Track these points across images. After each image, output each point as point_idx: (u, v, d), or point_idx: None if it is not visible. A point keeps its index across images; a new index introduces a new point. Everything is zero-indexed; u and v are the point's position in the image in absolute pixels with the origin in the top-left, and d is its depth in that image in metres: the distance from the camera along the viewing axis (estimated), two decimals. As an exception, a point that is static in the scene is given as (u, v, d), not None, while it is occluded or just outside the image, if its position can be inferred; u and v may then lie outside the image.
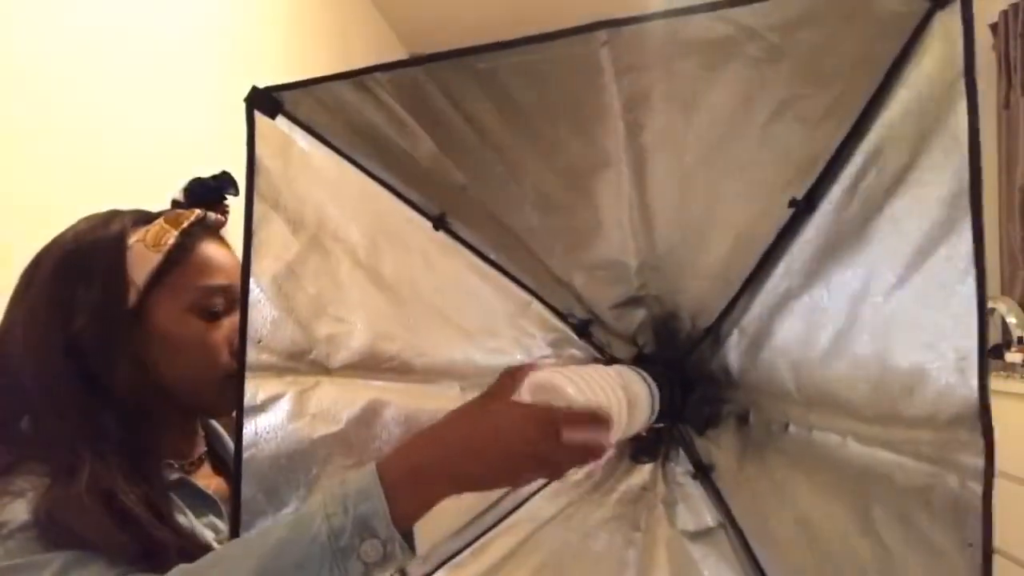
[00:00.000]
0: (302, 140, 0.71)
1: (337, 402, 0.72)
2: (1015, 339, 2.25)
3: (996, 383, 2.01)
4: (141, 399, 0.67)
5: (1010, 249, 2.54)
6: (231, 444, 0.76)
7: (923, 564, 0.47)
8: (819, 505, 0.58)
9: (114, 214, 0.72)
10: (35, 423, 0.65)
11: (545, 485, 0.79)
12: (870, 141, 0.50)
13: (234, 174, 0.74)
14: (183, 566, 0.52)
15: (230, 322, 0.70)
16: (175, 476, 0.69)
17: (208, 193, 0.75)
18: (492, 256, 0.79)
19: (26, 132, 1.19)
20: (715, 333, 0.73)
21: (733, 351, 0.70)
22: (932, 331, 0.44)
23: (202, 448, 0.77)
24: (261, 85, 0.68)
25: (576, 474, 0.80)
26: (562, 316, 0.83)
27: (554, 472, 0.56)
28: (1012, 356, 2.16)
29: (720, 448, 0.73)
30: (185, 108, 1.59)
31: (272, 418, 0.69)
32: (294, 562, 0.49)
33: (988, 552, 0.39)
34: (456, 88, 0.61)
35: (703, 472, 0.74)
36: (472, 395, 0.79)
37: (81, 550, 0.56)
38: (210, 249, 0.72)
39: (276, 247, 0.70)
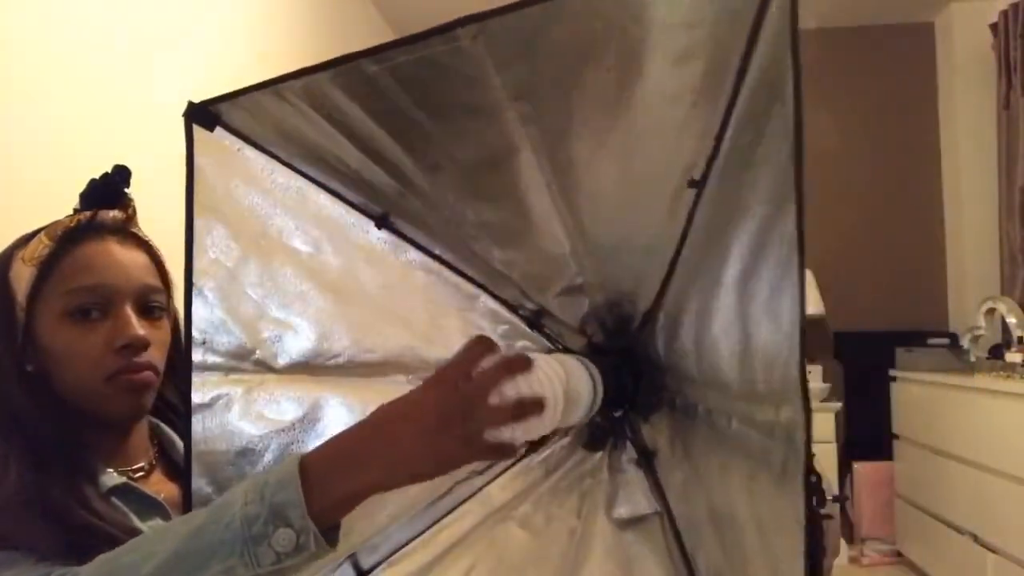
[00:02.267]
0: (240, 148, 0.74)
1: (283, 399, 0.75)
2: (1015, 339, 2.20)
3: (996, 383, 1.97)
4: (51, 415, 0.68)
5: (1010, 249, 2.50)
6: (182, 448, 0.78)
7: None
8: (722, 488, 0.57)
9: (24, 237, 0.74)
10: None
11: (498, 475, 0.80)
12: (736, 117, 0.49)
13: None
14: (104, 554, 0.55)
15: (109, 324, 0.69)
16: (117, 481, 0.70)
17: (101, 193, 0.74)
18: (437, 252, 0.80)
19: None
20: (652, 316, 0.73)
21: (660, 336, 0.69)
22: (773, 310, 0.43)
23: (149, 456, 0.77)
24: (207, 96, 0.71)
25: (528, 461, 0.81)
26: (513, 308, 0.84)
27: (475, 442, 0.51)
28: (1012, 356, 2.13)
29: (658, 434, 0.73)
30: (178, 109, 1.63)
31: (219, 416, 0.72)
32: (208, 545, 0.50)
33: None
34: (361, 95, 0.62)
35: (646, 459, 0.74)
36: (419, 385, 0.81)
37: (8, 550, 0.58)
38: (87, 251, 0.70)
39: (218, 253, 0.73)
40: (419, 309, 0.82)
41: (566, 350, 0.85)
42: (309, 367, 0.77)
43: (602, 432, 0.81)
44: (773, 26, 0.42)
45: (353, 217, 0.78)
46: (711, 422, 0.57)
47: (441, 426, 0.52)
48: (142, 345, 0.70)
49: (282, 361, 0.76)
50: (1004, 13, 2.53)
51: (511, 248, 0.76)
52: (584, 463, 0.78)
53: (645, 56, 0.52)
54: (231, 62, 1.88)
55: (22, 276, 0.70)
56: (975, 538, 2.05)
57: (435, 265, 0.81)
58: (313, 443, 0.75)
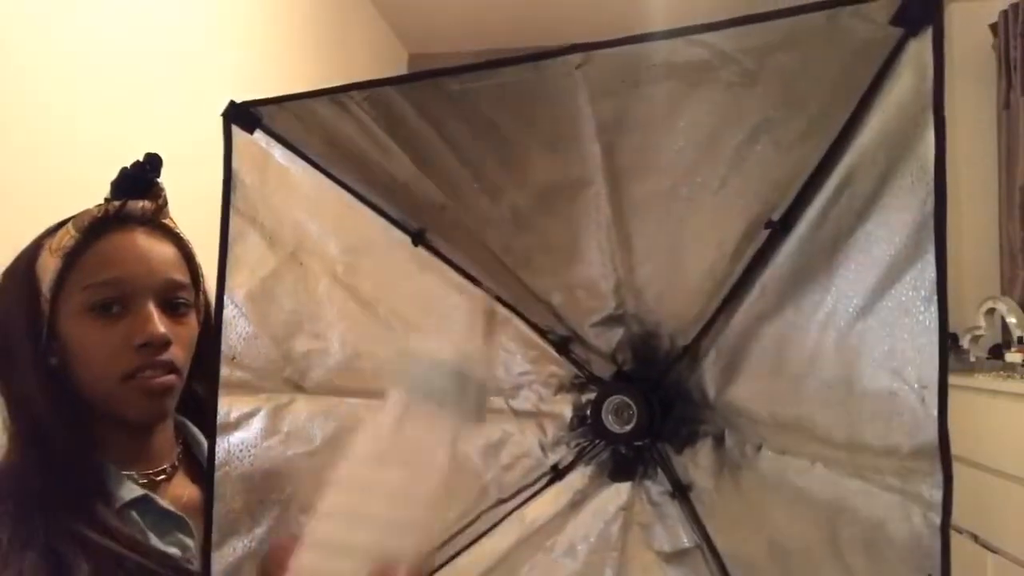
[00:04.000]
0: (280, 155, 0.71)
1: (312, 420, 0.71)
2: (1015, 339, 2.22)
3: (996, 383, 1.98)
4: (67, 414, 0.66)
5: (1010, 249, 2.52)
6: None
7: None
8: (791, 528, 0.57)
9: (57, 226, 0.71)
10: None
11: (520, 505, 0.79)
12: (844, 165, 0.50)
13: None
14: None
15: (131, 319, 0.67)
16: (136, 494, 0.67)
17: (131, 183, 0.71)
18: (471, 272, 0.79)
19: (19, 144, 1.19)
20: (693, 352, 0.73)
21: (709, 371, 0.70)
22: (897, 359, 0.44)
23: (173, 456, 0.74)
24: (239, 99, 0.68)
25: (555, 490, 0.80)
26: (542, 332, 0.82)
27: None
28: (1012, 356, 2.13)
29: (697, 468, 0.73)
30: (180, 110, 1.59)
31: (245, 436, 0.68)
32: None
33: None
34: (431, 108, 0.61)
35: (681, 492, 0.74)
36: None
37: None
38: (111, 243, 0.68)
39: (252, 262, 0.70)
40: (450, 330, 0.80)
41: (593, 377, 0.84)
42: (338, 387, 0.74)
43: (627, 462, 0.80)
44: (906, 80, 0.43)
45: (391, 232, 0.75)
46: (782, 463, 0.58)
47: None
48: (162, 343, 0.67)
49: (312, 379, 0.72)
50: (1004, 13, 2.53)
51: (555, 276, 0.75)
52: (618, 496, 0.77)
53: (744, 100, 0.52)
54: (231, 62, 1.84)
55: (48, 267, 0.67)
56: (975, 538, 2.01)
57: (469, 285, 0.79)
58: (341, 466, 0.72)
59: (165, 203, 0.73)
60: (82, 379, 0.67)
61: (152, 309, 0.67)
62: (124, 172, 0.72)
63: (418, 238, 0.76)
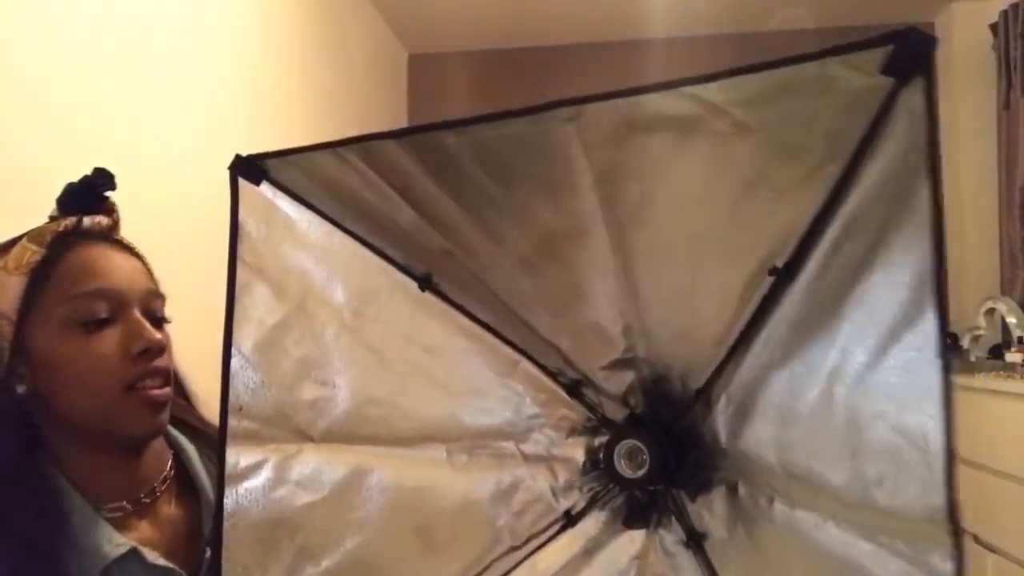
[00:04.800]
0: (286, 205, 0.72)
1: (321, 468, 0.71)
2: (1015, 339, 2.19)
3: (996, 383, 1.94)
4: (50, 439, 0.63)
5: (1010, 249, 2.49)
6: (194, 456, 0.73)
7: None
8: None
9: None
10: None
11: (532, 553, 0.77)
12: (844, 215, 0.48)
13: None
14: None
15: (119, 330, 0.64)
16: (122, 551, 0.62)
17: (81, 197, 0.69)
18: (479, 316, 0.78)
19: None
20: (706, 396, 0.71)
21: (721, 417, 0.68)
22: (901, 418, 0.42)
23: (161, 475, 0.71)
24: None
25: (567, 538, 0.79)
26: (553, 375, 0.81)
27: None
28: (1012, 356, 2.11)
29: (712, 516, 0.71)
30: (180, 109, 1.59)
31: (253, 486, 0.68)
32: None
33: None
34: (429, 160, 0.61)
35: (696, 541, 0.72)
36: (458, 459, 0.79)
37: None
38: (84, 255, 0.66)
39: (259, 313, 0.70)
40: (459, 374, 0.79)
41: (605, 420, 0.83)
42: (347, 434, 0.74)
43: (642, 507, 0.78)
44: (901, 131, 0.42)
45: (397, 278, 0.76)
46: (795, 517, 0.56)
47: None
48: (160, 349, 0.66)
49: (320, 428, 0.72)
50: (1004, 13, 2.51)
51: (562, 320, 0.74)
52: (631, 545, 0.75)
53: (738, 150, 0.51)
54: (230, 62, 1.85)
55: (6, 287, 0.63)
56: (975, 538, 1.99)
57: (477, 329, 0.79)
58: (348, 518, 0.72)
59: (119, 219, 0.71)
60: (69, 399, 0.64)
61: (141, 317, 0.66)
62: (71, 187, 0.69)
63: (425, 283, 0.76)
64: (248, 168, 0.70)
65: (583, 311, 0.71)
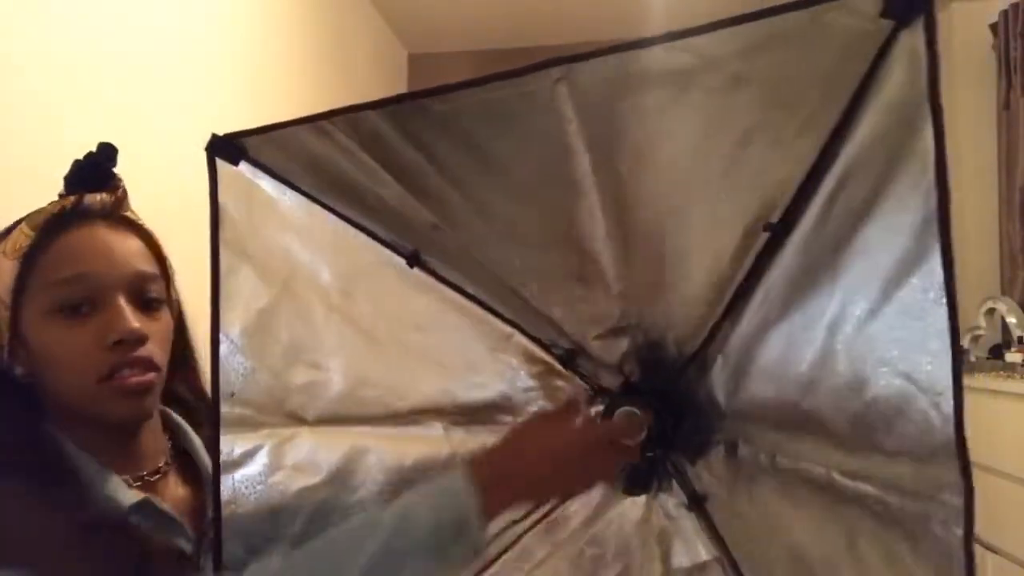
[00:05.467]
0: (267, 185, 0.70)
1: (316, 452, 0.70)
2: (1015, 339, 2.21)
3: (996, 383, 1.98)
4: (52, 416, 0.63)
5: (1010, 249, 2.51)
6: (197, 441, 0.72)
7: None
8: (810, 538, 0.56)
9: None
10: None
11: (535, 524, 0.77)
12: (840, 165, 0.48)
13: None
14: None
15: (101, 316, 0.62)
16: (136, 498, 0.62)
17: (86, 174, 0.67)
18: (470, 290, 0.77)
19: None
20: (700, 360, 0.71)
21: (718, 378, 0.68)
22: (907, 363, 0.42)
23: (164, 456, 0.70)
24: (222, 131, 0.67)
25: (568, 509, 0.79)
26: (546, 347, 0.81)
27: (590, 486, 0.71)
28: (1012, 356, 2.13)
29: (712, 478, 0.71)
30: (181, 109, 1.58)
31: (250, 473, 0.67)
32: (414, 542, 0.56)
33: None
34: (414, 130, 0.59)
35: (698, 503, 0.72)
36: (456, 435, 0.78)
37: None
38: (73, 238, 0.63)
39: (245, 297, 0.69)
40: (452, 350, 0.78)
41: (601, 389, 0.83)
42: (342, 417, 0.73)
43: (641, 474, 0.78)
44: (899, 74, 0.42)
45: (385, 256, 0.74)
46: (797, 471, 0.56)
47: (583, 480, 0.68)
48: (137, 339, 0.63)
49: (314, 411, 0.71)
50: (1004, 13, 2.51)
51: (555, 290, 0.73)
52: (634, 511, 0.75)
53: (734, 104, 0.50)
54: (230, 62, 1.83)
55: (3, 271, 0.63)
56: (975, 538, 2.05)
57: (468, 304, 0.78)
58: (350, 499, 0.71)
59: (125, 194, 0.69)
60: (56, 385, 0.63)
61: (123, 304, 0.63)
62: (77, 164, 0.67)
63: (413, 260, 0.75)
64: (225, 148, 0.67)
65: (576, 280, 0.71)
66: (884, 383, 0.44)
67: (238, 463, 0.67)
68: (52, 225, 0.63)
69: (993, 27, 2.58)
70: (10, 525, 0.56)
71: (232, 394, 0.67)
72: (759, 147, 0.52)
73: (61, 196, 0.67)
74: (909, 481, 0.43)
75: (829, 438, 0.51)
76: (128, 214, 0.69)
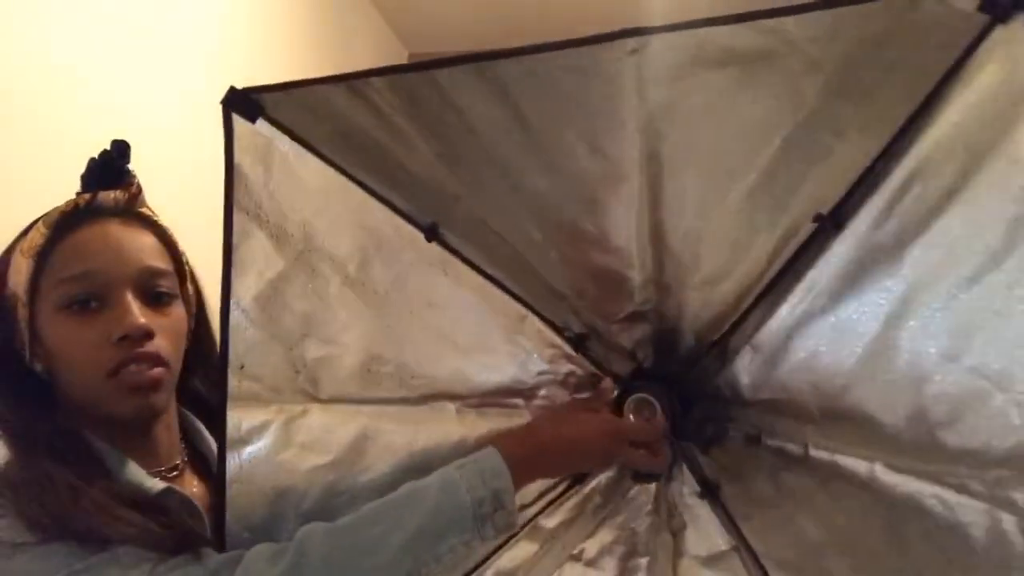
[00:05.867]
0: (285, 146, 0.66)
1: (327, 430, 0.67)
2: None
3: None
4: (71, 410, 0.63)
5: None
6: (214, 444, 0.70)
7: None
8: (847, 531, 0.56)
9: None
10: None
11: (540, 512, 0.76)
12: (913, 158, 0.48)
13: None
14: (334, 523, 0.56)
15: (108, 313, 0.62)
16: (160, 486, 0.63)
17: (100, 173, 0.67)
18: (486, 268, 0.75)
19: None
20: (721, 349, 0.71)
21: (744, 368, 0.67)
22: (982, 359, 0.42)
23: (180, 455, 0.70)
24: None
25: (577, 497, 0.78)
26: (559, 330, 0.79)
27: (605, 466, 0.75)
28: None
29: (728, 468, 0.71)
30: (178, 110, 1.52)
31: (257, 450, 0.63)
32: (446, 522, 0.56)
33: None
34: (460, 95, 0.56)
35: (711, 492, 0.72)
36: (467, 417, 0.76)
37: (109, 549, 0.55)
38: (83, 235, 0.64)
39: (259, 264, 0.65)
40: (466, 329, 0.76)
41: (612, 374, 0.82)
42: (353, 395, 0.69)
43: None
44: (992, 71, 0.41)
45: (403, 228, 0.71)
46: (835, 464, 0.56)
47: (598, 461, 0.71)
48: (143, 335, 0.62)
49: (326, 387, 0.68)
50: None
51: (575, 271, 0.72)
52: (640, 497, 0.75)
53: (804, 88, 0.49)
54: (230, 62, 1.78)
55: (20, 269, 0.63)
56: None
57: (484, 284, 0.75)
58: (359, 479, 0.67)
59: (139, 191, 0.68)
60: (68, 380, 0.64)
61: (130, 300, 0.63)
62: (92, 162, 0.67)
63: (431, 233, 0.72)
64: (242, 102, 0.63)
65: (602, 262, 0.69)
66: (952, 378, 0.44)
67: (245, 440, 0.63)
68: (65, 223, 0.64)
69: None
70: (59, 502, 0.56)
71: (242, 367, 0.63)
72: (821, 135, 0.51)
73: (78, 194, 0.67)
74: (973, 480, 0.43)
75: (876, 433, 0.51)
76: (143, 210, 0.69)
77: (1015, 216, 0.40)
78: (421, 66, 0.55)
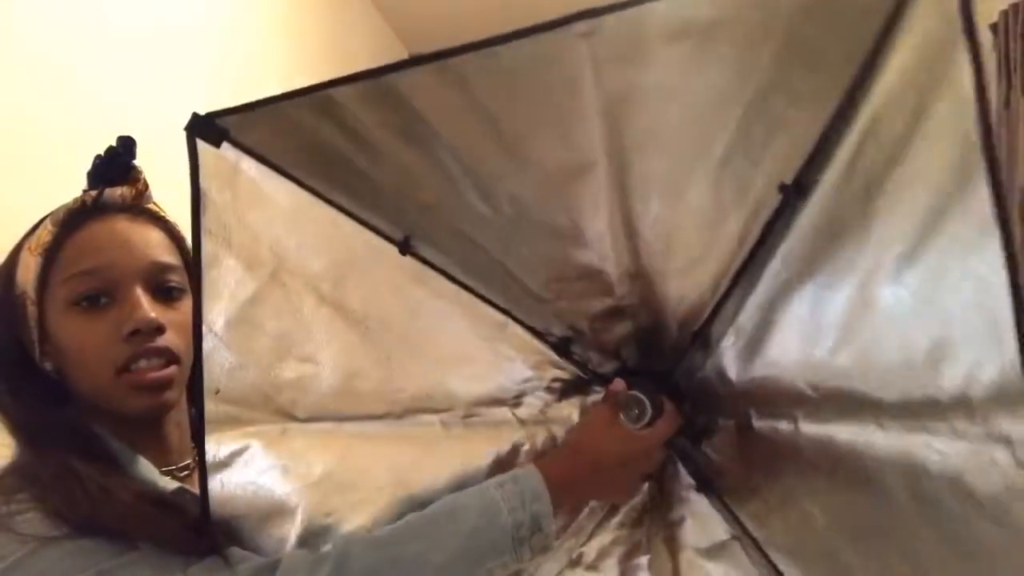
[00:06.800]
0: (251, 168, 0.66)
1: (309, 450, 0.65)
2: None
3: None
4: (83, 408, 0.63)
5: None
6: None
7: (960, 557, 0.45)
8: (840, 503, 0.55)
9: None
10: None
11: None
12: (866, 114, 0.48)
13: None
14: (369, 536, 0.57)
15: (118, 308, 0.63)
16: (173, 485, 0.63)
17: (106, 169, 0.67)
18: (463, 278, 0.75)
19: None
20: (705, 337, 0.71)
21: (728, 353, 0.67)
22: (954, 302, 0.42)
23: (189, 454, 0.69)
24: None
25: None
26: (540, 335, 0.79)
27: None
28: None
29: (722, 457, 0.70)
30: (177, 109, 1.51)
31: (239, 474, 0.61)
32: (486, 544, 0.57)
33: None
34: (423, 97, 0.57)
35: (706, 484, 0.71)
36: (453, 430, 0.74)
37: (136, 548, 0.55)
38: (91, 231, 0.64)
39: (230, 287, 0.64)
40: (446, 341, 0.75)
41: (597, 375, 0.81)
42: (333, 413, 0.68)
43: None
44: (928, 7, 0.42)
45: (376, 243, 0.71)
46: (826, 437, 0.55)
47: (636, 484, 0.72)
48: (153, 329, 0.62)
49: (304, 407, 0.66)
50: (1004, 13, 2.52)
51: (552, 271, 0.71)
52: (641, 496, 0.73)
53: (754, 60, 0.50)
54: (230, 62, 1.78)
55: (29, 267, 0.64)
56: None
57: (462, 293, 0.75)
58: (345, 498, 0.66)
59: (146, 187, 0.68)
60: (78, 378, 0.64)
61: (140, 295, 0.63)
62: (98, 159, 0.68)
63: (405, 247, 0.72)
64: (206, 128, 0.63)
65: (578, 259, 0.69)
66: (927, 328, 0.44)
67: (225, 464, 0.61)
68: (72, 220, 0.64)
69: (993, 27, 2.54)
70: (88, 498, 0.56)
71: (217, 391, 0.62)
72: (778, 104, 0.52)
73: (84, 191, 0.67)
74: (965, 421, 0.42)
75: (865, 395, 0.51)
76: (151, 206, 0.69)
77: (964, 148, 0.39)
78: (380, 71, 0.56)
